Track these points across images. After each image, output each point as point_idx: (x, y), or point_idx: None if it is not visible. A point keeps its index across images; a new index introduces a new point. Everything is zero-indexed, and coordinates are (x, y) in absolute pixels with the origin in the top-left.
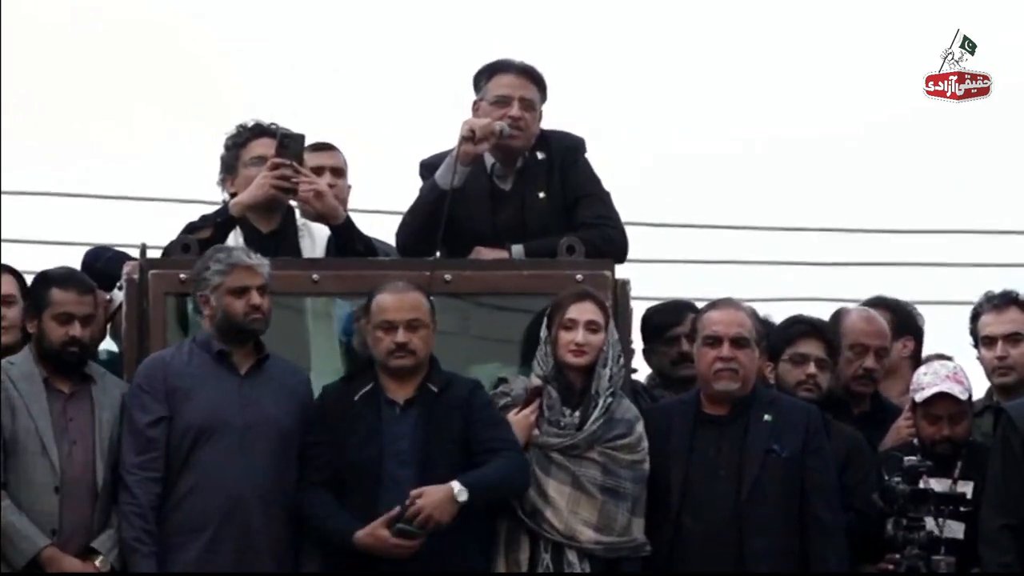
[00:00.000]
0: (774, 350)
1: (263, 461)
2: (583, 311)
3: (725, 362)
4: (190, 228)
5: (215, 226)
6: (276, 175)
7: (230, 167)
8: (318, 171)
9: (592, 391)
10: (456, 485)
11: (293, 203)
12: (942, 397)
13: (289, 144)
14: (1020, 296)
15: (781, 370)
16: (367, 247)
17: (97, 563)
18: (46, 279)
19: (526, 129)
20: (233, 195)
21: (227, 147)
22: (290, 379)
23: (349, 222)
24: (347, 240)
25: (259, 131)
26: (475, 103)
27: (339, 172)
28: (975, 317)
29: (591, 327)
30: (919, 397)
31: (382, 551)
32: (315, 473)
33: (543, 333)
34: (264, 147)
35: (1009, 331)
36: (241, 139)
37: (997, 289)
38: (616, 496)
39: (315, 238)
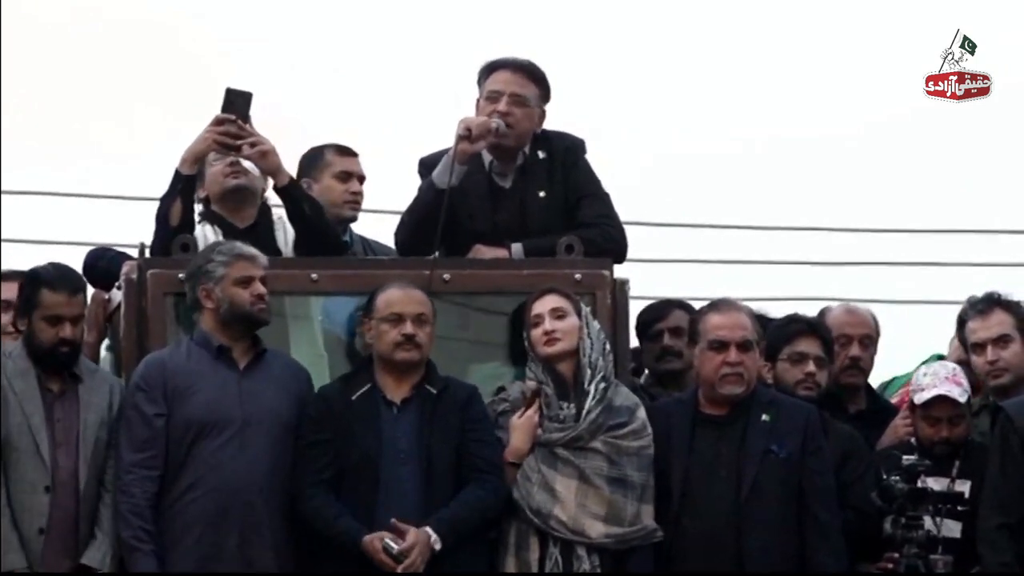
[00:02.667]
0: (772, 350)
1: (264, 454)
2: (545, 303)
3: (732, 367)
4: (162, 215)
5: (180, 196)
6: (219, 131)
7: (199, 173)
8: (346, 176)
9: (584, 380)
10: (433, 535)
11: (270, 198)
12: (941, 400)
13: (235, 100)
14: (1002, 297)
15: (779, 369)
16: (314, 209)
17: None
18: (37, 279)
19: (515, 124)
20: (204, 198)
21: None
22: (289, 373)
23: (294, 183)
24: (292, 202)
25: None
26: (477, 101)
27: (363, 179)
28: (961, 324)
29: (556, 314)
30: (918, 399)
31: (374, 560)
32: (316, 473)
33: (526, 343)
34: None
35: (996, 334)
36: None
37: (984, 291)
38: (623, 485)
39: (288, 231)
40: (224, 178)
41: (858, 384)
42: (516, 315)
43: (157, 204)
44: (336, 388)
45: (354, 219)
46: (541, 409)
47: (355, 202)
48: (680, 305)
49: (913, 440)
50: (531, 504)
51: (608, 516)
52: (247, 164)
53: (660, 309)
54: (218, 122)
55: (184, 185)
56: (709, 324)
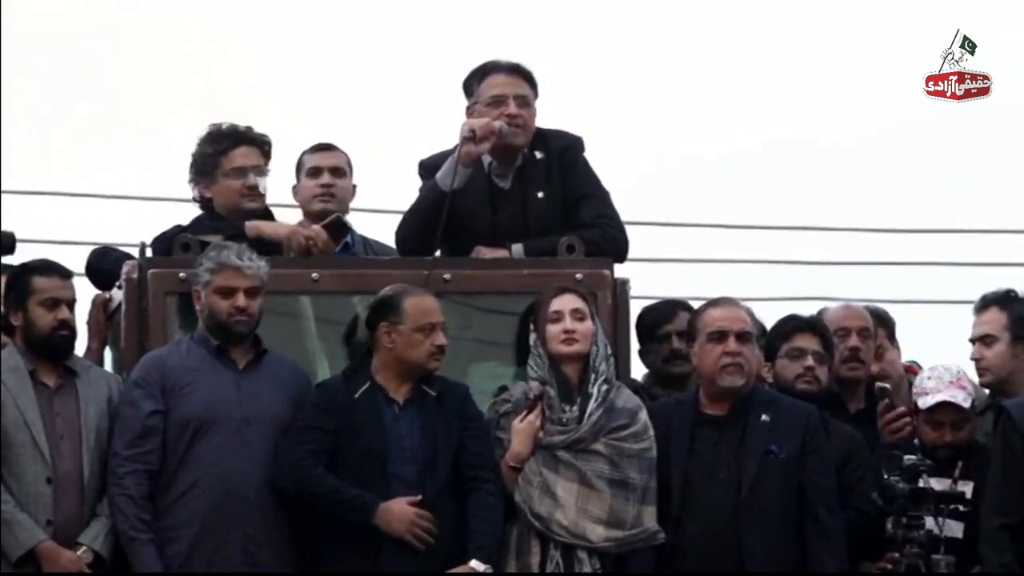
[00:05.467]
0: (770, 348)
1: (261, 454)
2: (566, 302)
3: (732, 356)
4: (193, 230)
5: (225, 236)
6: (308, 242)
7: (206, 171)
8: (316, 172)
9: (588, 383)
10: (481, 567)
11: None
12: (946, 405)
13: (337, 227)
14: (1011, 294)
15: (779, 366)
16: None
17: (80, 552)
18: (27, 269)
19: (524, 126)
20: (206, 199)
21: (204, 150)
22: (289, 374)
23: None
24: None
25: (240, 139)
26: (469, 107)
27: (338, 172)
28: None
29: (577, 315)
30: (922, 404)
31: (398, 530)
32: (315, 455)
33: (532, 339)
34: (244, 157)
35: (981, 333)
36: (222, 146)
37: (993, 288)
38: (625, 488)
39: None
40: (241, 198)
41: (859, 377)
42: (527, 314)
43: (199, 209)
44: (339, 382)
45: (326, 212)
46: (544, 412)
47: (326, 195)
48: (685, 307)
49: (916, 441)
50: (532, 508)
51: (609, 519)
52: (263, 187)
53: (666, 311)
54: (310, 236)
55: (237, 234)
56: (708, 317)
